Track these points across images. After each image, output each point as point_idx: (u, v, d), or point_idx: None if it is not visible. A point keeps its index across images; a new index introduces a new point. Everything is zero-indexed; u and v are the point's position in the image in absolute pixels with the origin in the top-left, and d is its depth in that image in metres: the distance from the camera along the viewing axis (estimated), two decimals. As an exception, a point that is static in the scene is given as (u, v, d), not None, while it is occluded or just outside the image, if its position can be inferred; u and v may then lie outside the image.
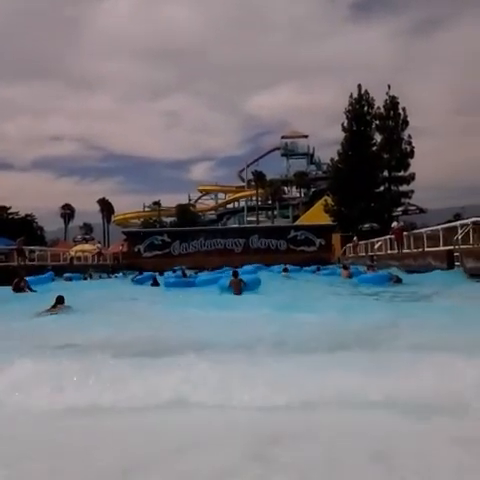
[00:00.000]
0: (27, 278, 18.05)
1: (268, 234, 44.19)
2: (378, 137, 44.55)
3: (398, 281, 17.34)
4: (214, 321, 9.64)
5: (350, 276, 21.31)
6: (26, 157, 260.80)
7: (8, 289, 16.70)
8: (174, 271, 27.09)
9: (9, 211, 66.35)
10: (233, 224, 75.90)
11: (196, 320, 10.04)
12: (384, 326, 8.07)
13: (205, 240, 43.56)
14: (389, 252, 27.36)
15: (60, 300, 12.05)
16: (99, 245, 43.58)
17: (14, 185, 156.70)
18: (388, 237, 28.17)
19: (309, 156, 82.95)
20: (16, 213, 66.42)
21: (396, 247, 25.67)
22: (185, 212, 74.95)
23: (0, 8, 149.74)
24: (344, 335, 7.26)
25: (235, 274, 16.48)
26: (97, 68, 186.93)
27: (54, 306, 11.80)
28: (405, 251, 24.39)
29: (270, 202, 75.83)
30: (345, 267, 23.37)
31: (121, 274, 33.31)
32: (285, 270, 25.63)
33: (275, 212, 76.39)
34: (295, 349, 6.18)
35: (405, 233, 25.26)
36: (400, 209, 45.92)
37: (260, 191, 73.49)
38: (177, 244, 43.49)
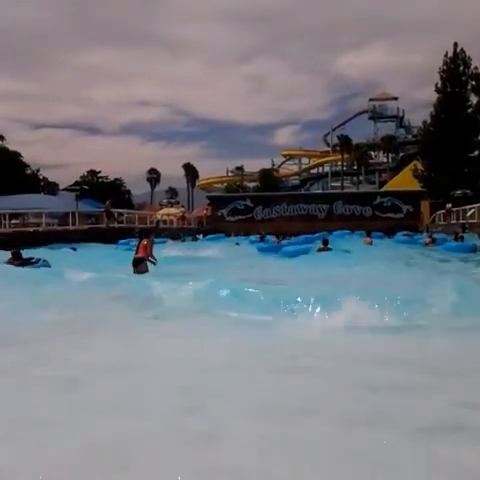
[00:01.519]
0: None
1: (353, 200, 42.95)
2: (474, 99, 42.00)
3: None
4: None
5: (433, 243, 20.69)
6: (115, 122, 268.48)
7: None
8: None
9: (99, 175, 69.01)
10: (317, 190, 74.65)
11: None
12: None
13: (288, 205, 43.02)
14: (483, 220, 25.92)
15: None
16: (183, 209, 44.41)
17: (103, 149, 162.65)
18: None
19: (398, 119, 79.22)
20: (105, 177, 68.94)
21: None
22: (268, 177, 74.45)
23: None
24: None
25: (325, 242, 16.82)
26: (185, 33, 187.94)
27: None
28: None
29: (356, 167, 73.65)
30: (431, 238, 22.21)
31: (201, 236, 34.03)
32: (368, 235, 22.81)
33: (360, 177, 74.22)
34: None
35: None
36: (496, 175, 43.23)
37: (345, 156, 71.46)
38: (259, 209, 43.33)
